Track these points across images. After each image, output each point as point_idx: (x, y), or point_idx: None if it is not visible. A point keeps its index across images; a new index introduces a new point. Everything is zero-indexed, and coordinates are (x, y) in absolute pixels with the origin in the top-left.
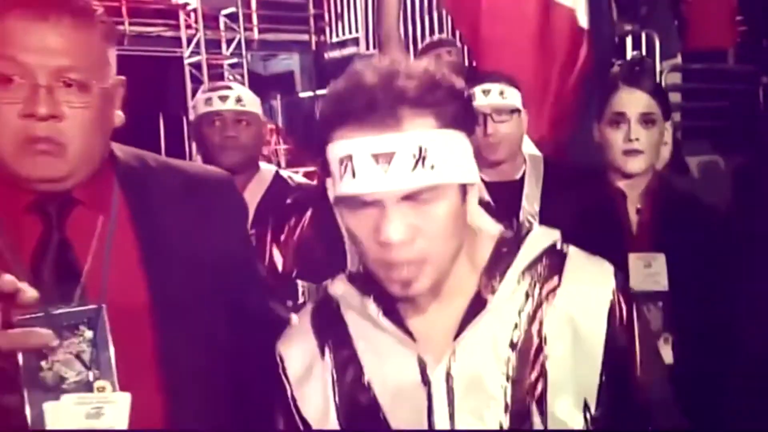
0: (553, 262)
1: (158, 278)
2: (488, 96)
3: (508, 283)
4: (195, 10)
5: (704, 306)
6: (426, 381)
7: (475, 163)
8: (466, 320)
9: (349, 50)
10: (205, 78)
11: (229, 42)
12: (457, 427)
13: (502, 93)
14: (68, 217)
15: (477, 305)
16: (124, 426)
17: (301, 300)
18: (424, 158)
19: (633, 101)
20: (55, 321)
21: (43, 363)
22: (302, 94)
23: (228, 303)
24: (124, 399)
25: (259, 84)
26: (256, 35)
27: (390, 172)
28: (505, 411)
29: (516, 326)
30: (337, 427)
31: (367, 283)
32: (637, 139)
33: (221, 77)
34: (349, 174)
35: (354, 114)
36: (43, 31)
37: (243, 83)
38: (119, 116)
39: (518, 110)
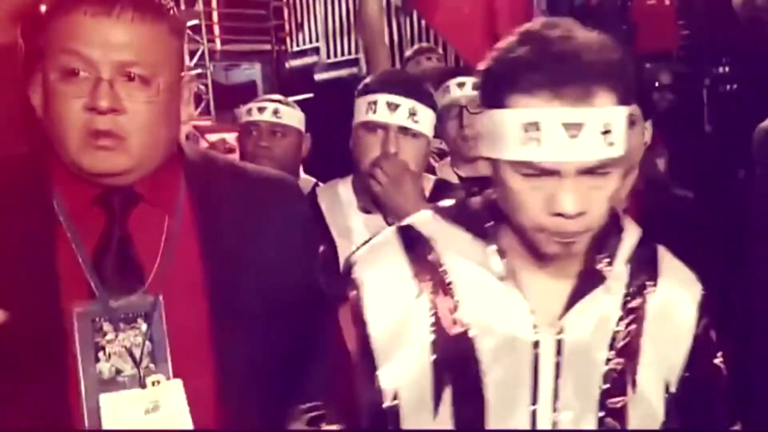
0: (647, 252)
1: (217, 277)
2: (463, 89)
3: (620, 261)
4: None
5: None
6: (536, 341)
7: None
8: (580, 290)
9: (310, 59)
10: None
11: (192, 53)
12: (560, 391)
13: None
14: (132, 212)
15: (592, 278)
16: (186, 412)
17: None
18: (608, 133)
19: None
20: (112, 312)
21: (100, 354)
22: None
23: (284, 306)
24: (178, 386)
25: (223, 93)
26: (218, 46)
27: (577, 144)
28: (605, 382)
29: (624, 304)
30: (427, 373)
31: (483, 229)
32: None
33: None
34: (534, 140)
35: (545, 83)
36: (107, 25)
37: (207, 93)
38: (189, 112)
39: None
